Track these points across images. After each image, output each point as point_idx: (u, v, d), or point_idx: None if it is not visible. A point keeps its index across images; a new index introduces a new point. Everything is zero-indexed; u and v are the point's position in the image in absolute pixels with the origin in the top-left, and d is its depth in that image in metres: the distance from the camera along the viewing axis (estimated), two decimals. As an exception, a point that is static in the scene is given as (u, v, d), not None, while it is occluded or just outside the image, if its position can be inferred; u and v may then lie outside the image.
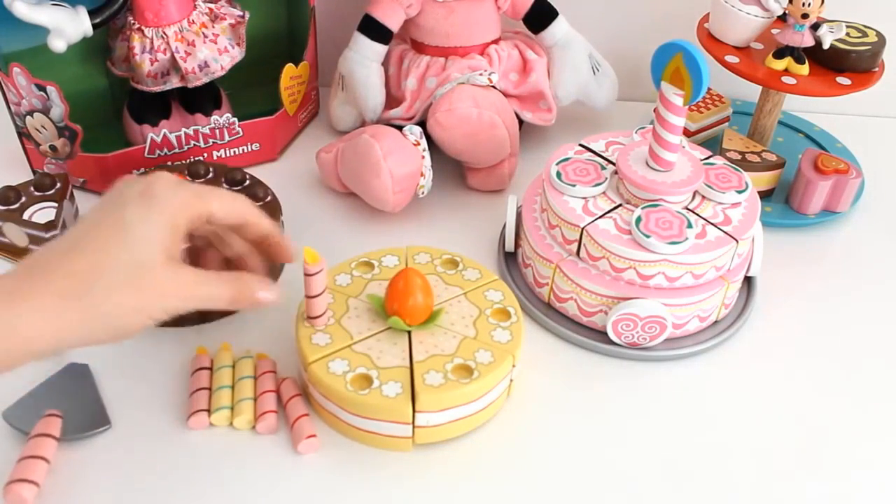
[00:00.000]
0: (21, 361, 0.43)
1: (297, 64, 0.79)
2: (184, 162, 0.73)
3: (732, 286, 0.64)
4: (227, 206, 0.51)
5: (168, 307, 0.47)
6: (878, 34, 0.74)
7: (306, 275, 0.54)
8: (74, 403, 0.56)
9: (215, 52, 0.74)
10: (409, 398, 0.52)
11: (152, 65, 0.73)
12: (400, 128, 0.71)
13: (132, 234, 0.46)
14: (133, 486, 0.52)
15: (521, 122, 0.78)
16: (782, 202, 0.77)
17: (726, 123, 0.85)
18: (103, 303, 0.44)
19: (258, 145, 0.79)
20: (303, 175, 0.79)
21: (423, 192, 0.71)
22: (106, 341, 0.46)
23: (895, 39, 0.75)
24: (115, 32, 0.75)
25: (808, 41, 0.71)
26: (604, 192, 0.64)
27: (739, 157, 0.75)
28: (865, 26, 0.75)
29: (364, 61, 0.77)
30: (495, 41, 0.79)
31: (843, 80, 0.72)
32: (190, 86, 0.75)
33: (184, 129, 0.75)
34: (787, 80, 0.72)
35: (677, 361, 0.63)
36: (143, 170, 0.74)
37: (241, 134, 0.77)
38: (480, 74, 0.73)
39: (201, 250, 0.56)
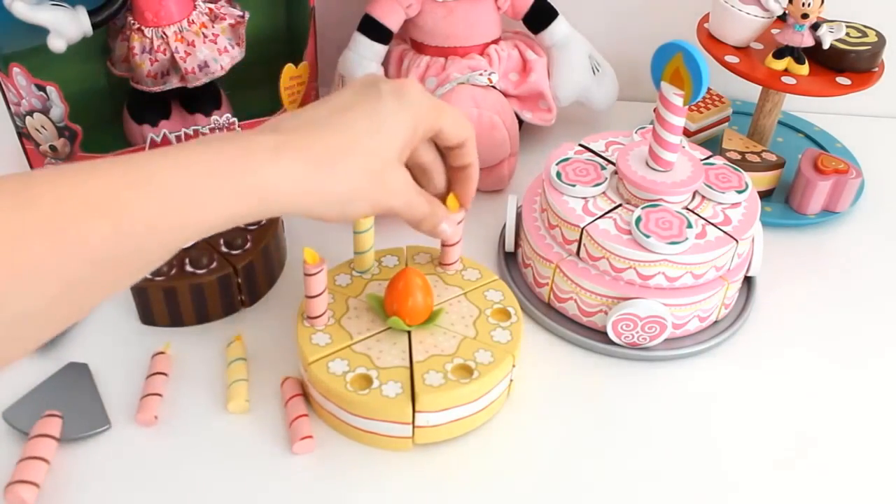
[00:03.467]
0: (254, 215, 0.43)
1: (297, 64, 0.79)
2: (184, 162, 0.73)
3: (732, 286, 0.64)
4: (457, 126, 0.52)
5: (387, 204, 0.49)
6: (878, 34, 0.74)
7: (306, 275, 0.54)
8: (74, 403, 0.56)
9: (215, 52, 0.74)
10: (408, 398, 0.52)
11: (152, 65, 0.73)
12: (400, 128, 0.70)
13: (383, 126, 0.47)
14: (133, 486, 0.52)
15: (521, 122, 0.78)
16: (782, 202, 0.77)
17: (726, 123, 0.85)
18: (343, 181, 0.46)
19: (258, 145, 0.79)
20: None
21: (423, 192, 0.71)
22: (328, 219, 0.47)
23: (895, 39, 0.75)
24: (114, 32, 0.75)
25: (808, 41, 0.71)
26: (604, 192, 0.64)
27: (739, 157, 0.75)
28: (865, 26, 0.75)
29: (364, 61, 0.77)
30: (495, 41, 0.79)
31: (843, 80, 0.72)
32: (190, 86, 0.75)
33: (184, 129, 0.74)
34: (787, 80, 0.72)
35: (677, 361, 0.63)
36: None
37: (241, 134, 0.77)
38: (480, 74, 0.73)
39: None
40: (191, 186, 0.40)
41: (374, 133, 0.47)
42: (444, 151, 0.55)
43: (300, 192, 0.44)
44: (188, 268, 0.61)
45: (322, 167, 0.45)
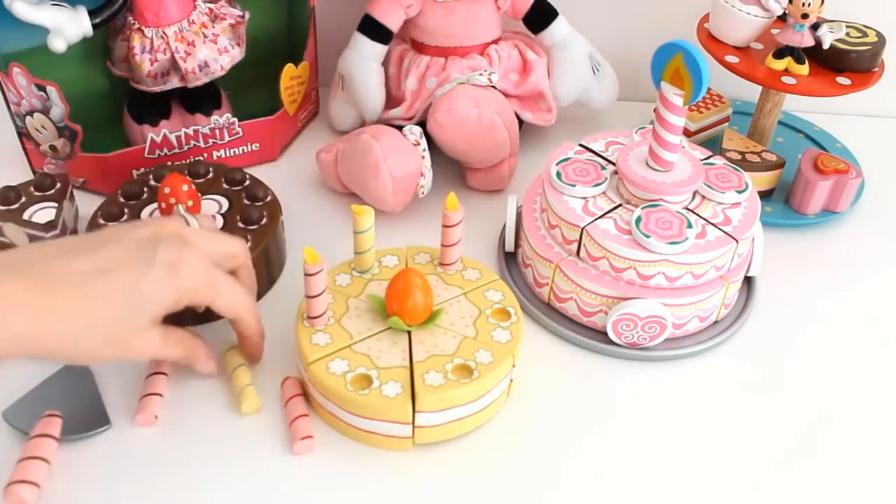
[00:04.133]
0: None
1: (297, 64, 0.79)
2: (184, 162, 0.73)
3: (732, 286, 0.64)
4: (229, 306, 0.54)
5: (123, 357, 0.50)
6: (878, 34, 0.74)
7: (306, 275, 0.54)
8: (74, 403, 0.56)
9: (215, 52, 0.74)
10: (409, 398, 0.52)
11: (152, 65, 0.73)
12: (400, 128, 0.71)
13: (139, 301, 0.48)
14: (133, 486, 0.52)
15: (521, 122, 0.78)
16: (782, 202, 0.77)
17: (726, 123, 0.85)
18: (81, 345, 0.47)
19: (258, 145, 0.79)
20: (303, 175, 0.79)
21: (423, 192, 0.71)
22: (48, 359, 0.50)
23: (895, 39, 0.75)
24: (115, 32, 0.75)
25: (808, 41, 0.71)
26: (604, 192, 0.64)
27: (739, 157, 0.75)
28: (865, 26, 0.75)
29: (364, 61, 0.77)
30: (495, 41, 0.79)
31: (843, 80, 0.72)
32: (190, 86, 0.75)
33: (184, 129, 0.75)
34: (787, 80, 0.72)
35: (677, 361, 0.63)
36: (142, 170, 0.74)
37: (241, 134, 0.77)
38: (480, 74, 0.73)
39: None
40: None
41: (125, 304, 0.47)
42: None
43: (42, 335, 0.45)
44: (188, 268, 0.61)
45: (44, 323, 0.45)
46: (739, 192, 0.64)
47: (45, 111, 0.70)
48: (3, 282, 0.44)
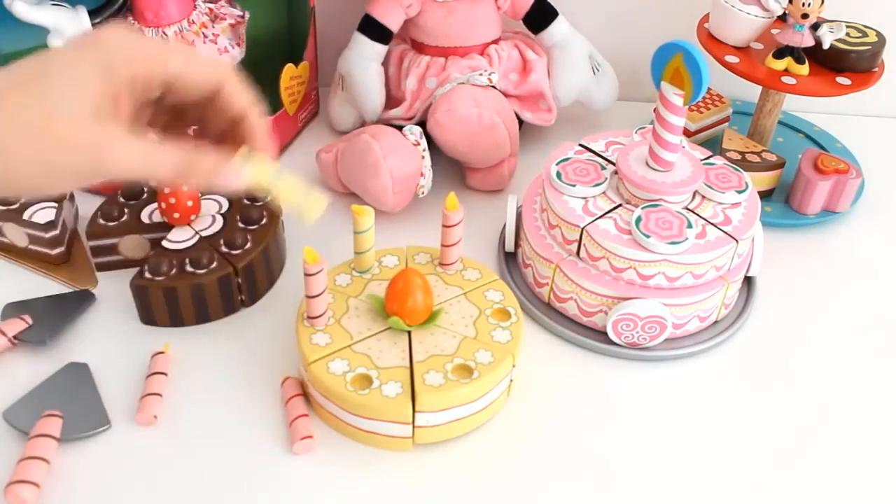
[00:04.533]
0: None
1: (297, 64, 0.79)
2: (184, 162, 0.73)
3: (732, 286, 0.64)
4: (195, 67, 0.42)
5: (84, 168, 0.39)
6: (878, 34, 0.74)
7: (306, 275, 0.54)
8: (74, 403, 0.56)
9: (215, 53, 0.74)
10: (409, 398, 0.52)
11: (152, 65, 0.73)
12: (400, 128, 0.71)
13: (54, 80, 0.38)
14: (133, 486, 0.52)
15: (521, 122, 0.78)
16: (782, 202, 0.77)
17: (726, 123, 0.85)
18: (8, 154, 0.38)
19: (258, 145, 0.79)
20: (303, 175, 0.79)
21: (423, 192, 0.71)
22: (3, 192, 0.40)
23: (895, 39, 0.75)
24: (115, 32, 0.75)
25: (808, 41, 0.71)
26: (604, 192, 0.64)
27: (739, 157, 0.75)
28: (865, 26, 0.75)
29: (364, 61, 0.77)
30: (495, 41, 0.79)
31: (843, 80, 0.72)
32: (190, 86, 0.75)
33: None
34: (787, 80, 0.72)
35: (677, 361, 0.63)
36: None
37: (241, 134, 0.77)
38: (480, 74, 0.73)
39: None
40: None
41: (35, 97, 0.38)
42: (204, 109, 0.44)
43: None
44: (188, 268, 0.61)
45: None
46: (739, 192, 0.64)
47: (45, 111, 0.70)
48: None
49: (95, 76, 0.39)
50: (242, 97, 0.44)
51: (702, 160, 0.67)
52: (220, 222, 0.65)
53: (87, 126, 0.38)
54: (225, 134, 0.45)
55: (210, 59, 0.43)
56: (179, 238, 0.64)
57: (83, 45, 0.40)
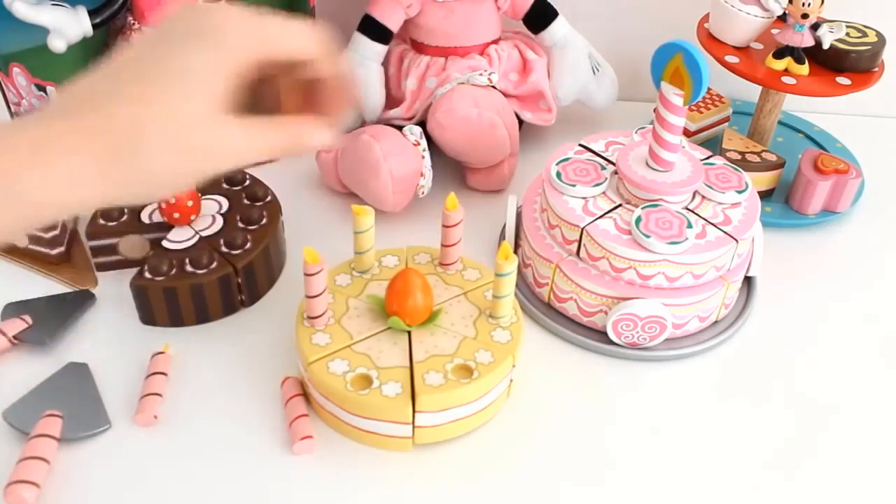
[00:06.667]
0: (34, 225, 0.37)
1: (297, 64, 0.79)
2: (184, 162, 0.73)
3: (732, 286, 0.64)
4: (297, 38, 0.41)
5: (216, 168, 0.39)
6: (878, 34, 0.74)
7: (306, 275, 0.54)
8: (74, 403, 0.56)
9: (215, 52, 0.74)
10: (409, 398, 0.52)
11: (152, 65, 0.73)
12: (400, 128, 0.71)
13: (179, 83, 0.37)
14: (133, 486, 0.52)
15: (521, 122, 0.78)
16: (782, 202, 0.77)
17: (726, 123, 0.85)
18: (146, 164, 0.37)
19: (258, 145, 0.79)
20: (303, 175, 0.79)
21: (423, 192, 0.71)
22: (142, 201, 0.39)
23: (895, 39, 0.75)
24: (115, 32, 0.75)
25: (808, 41, 0.71)
26: (604, 192, 0.64)
27: (739, 157, 0.75)
28: (865, 26, 0.75)
29: (364, 61, 0.77)
30: (495, 41, 0.79)
31: (843, 80, 0.72)
32: (190, 86, 0.75)
33: (184, 129, 0.74)
34: (787, 80, 0.72)
35: (677, 361, 0.63)
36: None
37: (241, 134, 0.77)
38: (480, 74, 0.73)
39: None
40: None
41: (168, 95, 0.37)
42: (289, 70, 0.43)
43: (92, 193, 0.36)
44: (188, 268, 0.61)
45: (111, 156, 0.36)
46: (739, 192, 0.64)
47: (45, 111, 0.70)
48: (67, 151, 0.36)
49: (217, 79, 0.38)
50: (332, 60, 0.43)
51: (702, 160, 0.67)
52: (220, 222, 0.65)
53: (211, 128, 0.38)
54: (302, 100, 0.44)
55: (301, 25, 0.41)
56: (179, 238, 0.64)
57: (199, 42, 0.38)
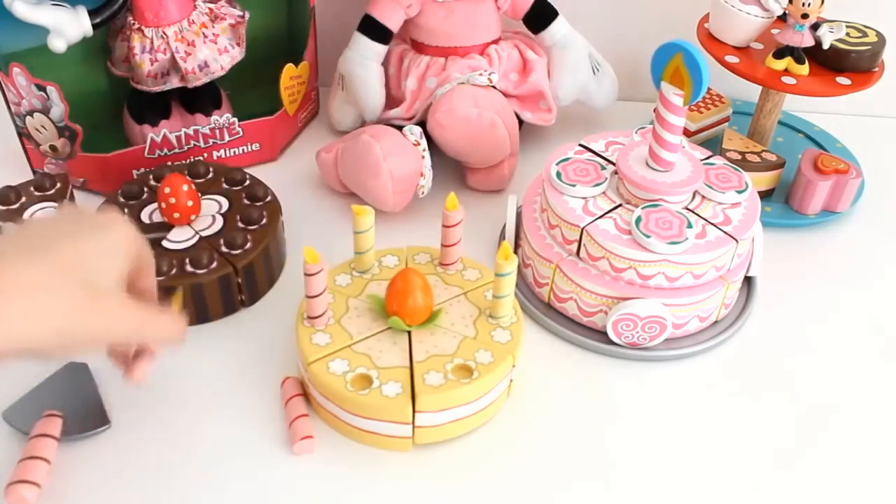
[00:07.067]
0: None
1: (297, 64, 0.79)
2: (184, 162, 0.73)
3: (732, 286, 0.64)
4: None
5: (117, 336, 0.46)
6: (878, 34, 0.74)
7: (306, 275, 0.54)
8: (74, 403, 0.56)
9: (215, 52, 0.74)
10: (409, 398, 0.52)
11: (152, 65, 0.73)
12: (400, 128, 0.71)
13: (88, 267, 0.43)
14: (133, 486, 0.52)
15: (521, 122, 0.78)
16: (782, 202, 0.77)
17: (726, 123, 0.85)
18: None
19: (258, 145, 0.79)
20: (303, 175, 0.79)
21: (423, 192, 0.71)
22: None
23: (895, 39, 0.75)
24: (115, 32, 0.75)
25: (808, 41, 0.71)
26: (604, 192, 0.64)
27: (739, 157, 0.75)
28: (865, 26, 0.75)
29: (364, 61, 0.77)
30: (495, 41, 0.79)
31: (843, 80, 0.72)
32: (190, 86, 0.75)
33: (184, 129, 0.75)
34: (787, 80, 0.72)
35: (677, 361, 0.63)
36: (142, 170, 0.74)
37: (241, 134, 0.77)
38: (480, 74, 0.73)
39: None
40: None
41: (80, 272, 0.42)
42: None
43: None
44: (188, 268, 0.61)
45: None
46: (739, 192, 0.64)
47: (45, 111, 0.70)
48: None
49: (120, 257, 0.46)
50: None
51: (702, 160, 0.67)
52: (220, 222, 0.65)
53: (122, 300, 0.45)
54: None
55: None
56: (179, 238, 0.64)
57: (103, 228, 0.45)
